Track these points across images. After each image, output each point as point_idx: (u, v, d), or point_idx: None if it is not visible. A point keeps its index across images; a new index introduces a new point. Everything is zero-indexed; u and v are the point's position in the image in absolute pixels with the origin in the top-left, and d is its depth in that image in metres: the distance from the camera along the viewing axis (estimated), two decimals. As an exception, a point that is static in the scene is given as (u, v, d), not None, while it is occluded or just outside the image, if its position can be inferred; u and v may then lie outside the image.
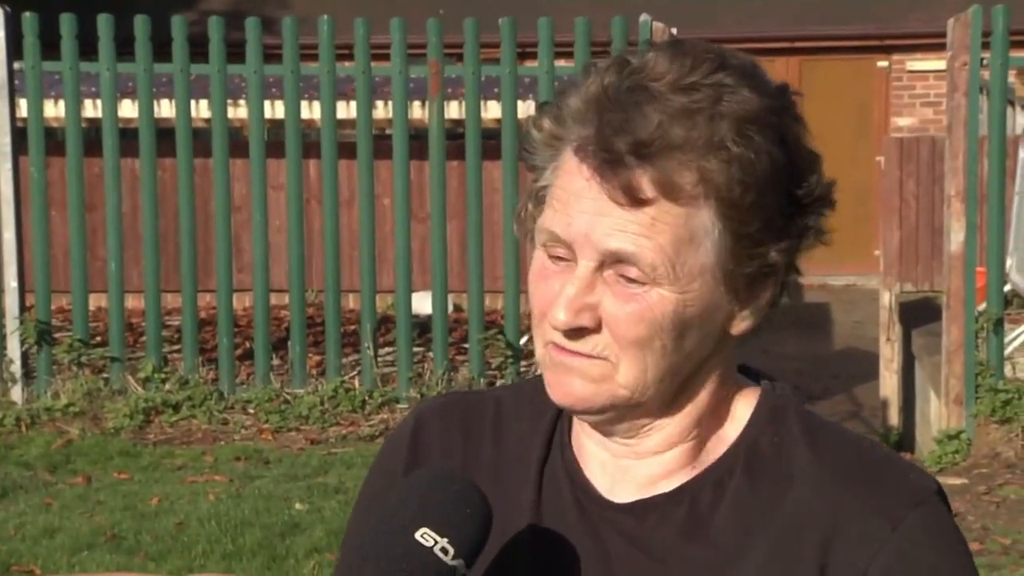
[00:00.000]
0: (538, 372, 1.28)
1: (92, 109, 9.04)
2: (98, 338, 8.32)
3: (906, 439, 9.64)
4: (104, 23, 7.90)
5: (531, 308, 1.24)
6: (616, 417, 1.24)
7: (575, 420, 1.30)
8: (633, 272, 1.17)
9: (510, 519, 1.28)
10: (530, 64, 8.54)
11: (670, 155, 1.15)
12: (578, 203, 1.18)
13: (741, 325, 1.23)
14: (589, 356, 1.20)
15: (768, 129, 1.17)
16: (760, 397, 1.28)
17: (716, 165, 1.16)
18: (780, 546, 1.21)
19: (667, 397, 1.23)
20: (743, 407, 1.28)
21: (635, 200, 1.16)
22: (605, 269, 1.18)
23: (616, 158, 1.16)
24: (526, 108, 8.62)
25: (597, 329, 1.19)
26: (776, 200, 1.18)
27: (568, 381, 1.21)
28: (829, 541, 1.20)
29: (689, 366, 1.22)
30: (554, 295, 1.20)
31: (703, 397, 1.25)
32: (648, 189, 1.16)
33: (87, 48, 8.02)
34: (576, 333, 1.19)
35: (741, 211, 1.17)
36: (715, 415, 1.27)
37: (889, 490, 1.21)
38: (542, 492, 1.29)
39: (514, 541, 1.27)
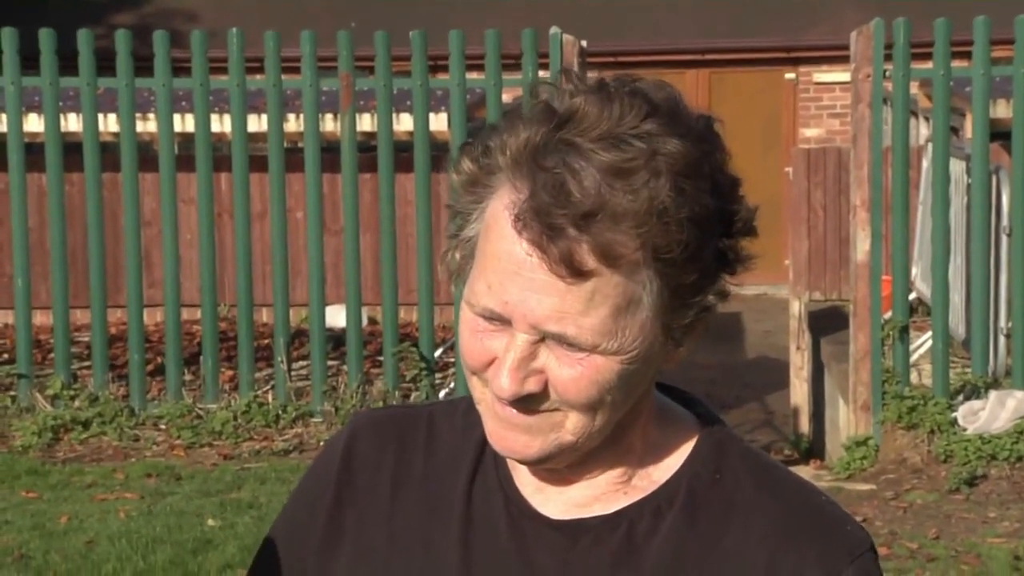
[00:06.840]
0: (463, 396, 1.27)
1: (-3, 123, 8.90)
2: (5, 355, 8.18)
3: (816, 446, 9.77)
4: (8, 36, 7.78)
5: (462, 359, 1.20)
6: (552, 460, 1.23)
7: None
8: (573, 342, 1.15)
9: (439, 532, 1.28)
10: (442, 77, 8.54)
11: (613, 225, 1.12)
12: (515, 277, 1.14)
13: (677, 357, 1.23)
14: (538, 412, 1.18)
15: (701, 179, 1.15)
16: (702, 430, 1.28)
17: (657, 229, 1.13)
18: None
19: (606, 432, 1.22)
20: (682, 436, 1.28)
21: (577, 273, 1.13)
22: (546, 338, 1.16)
23: (557, 231, 1.12)
24: (438, 120, 8.63)
25: (544, 390, 1.17)
26: (712, 248, 1.17)
27: (514, 437, 1.19)
28: None
29: (631, 404, 1.22)
30: (489, 355, 1.17)
31: (635, 423, 1.25)
32: (590, 260, 1.13)
33: (-9, 61, 7.91)
34: (523, 399, 1.17)
35: (679, 267, 1.15)
36: (646, 438, 1.27)
37: (829, 541, 1.22)
38: (472, 504, 1.28)
39: (442, 554, 1.27)
